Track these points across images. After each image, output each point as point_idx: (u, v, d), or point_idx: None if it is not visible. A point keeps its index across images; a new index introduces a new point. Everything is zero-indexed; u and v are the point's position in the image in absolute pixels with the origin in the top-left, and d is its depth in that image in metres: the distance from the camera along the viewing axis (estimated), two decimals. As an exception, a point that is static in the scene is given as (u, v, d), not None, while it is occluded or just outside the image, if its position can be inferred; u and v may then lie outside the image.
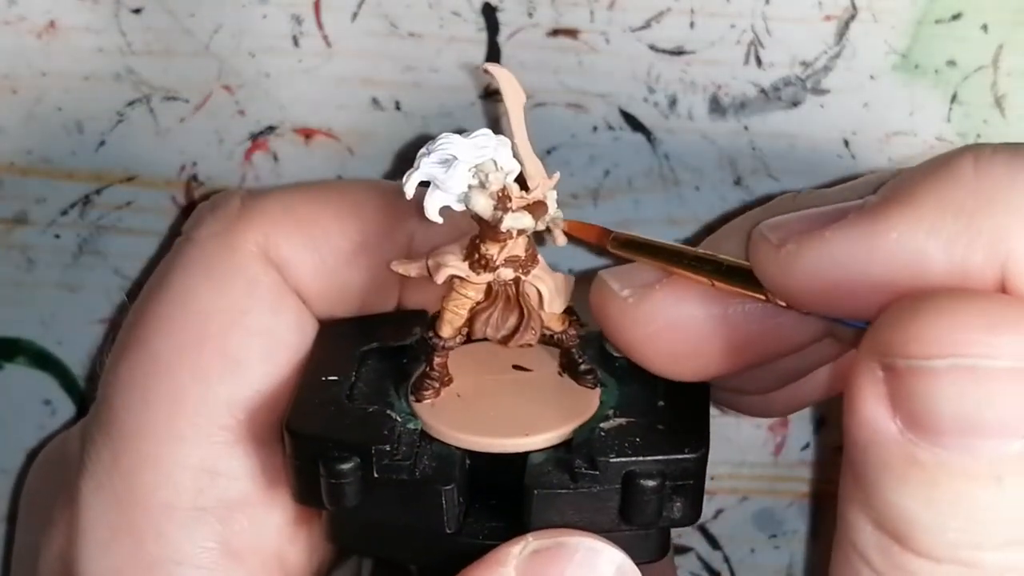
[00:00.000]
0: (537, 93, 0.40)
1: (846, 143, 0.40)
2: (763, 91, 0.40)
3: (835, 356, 0.35)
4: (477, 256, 0.31)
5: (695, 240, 0.41)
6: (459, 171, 0.30)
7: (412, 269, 0.32)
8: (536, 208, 0.31)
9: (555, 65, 0.40)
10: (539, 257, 0.32)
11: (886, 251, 0.27)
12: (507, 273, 0.32)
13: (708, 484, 0.31)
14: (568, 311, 0.33)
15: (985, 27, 0.39)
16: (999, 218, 0.26)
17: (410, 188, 0.30)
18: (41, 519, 0.35)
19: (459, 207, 0.31)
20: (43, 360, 0.43)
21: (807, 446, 0.43)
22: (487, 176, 0.31)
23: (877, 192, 0.29)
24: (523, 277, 0.32)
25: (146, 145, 0.41)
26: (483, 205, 0.31)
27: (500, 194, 0.31)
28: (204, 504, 0.33)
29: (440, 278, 0.31)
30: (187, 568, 0.32)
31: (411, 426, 0.31)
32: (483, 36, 0.40)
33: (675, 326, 0.31)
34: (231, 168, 0.41)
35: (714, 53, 0.40)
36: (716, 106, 0.40)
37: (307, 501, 0.31)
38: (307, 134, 0.41)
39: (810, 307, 0.29)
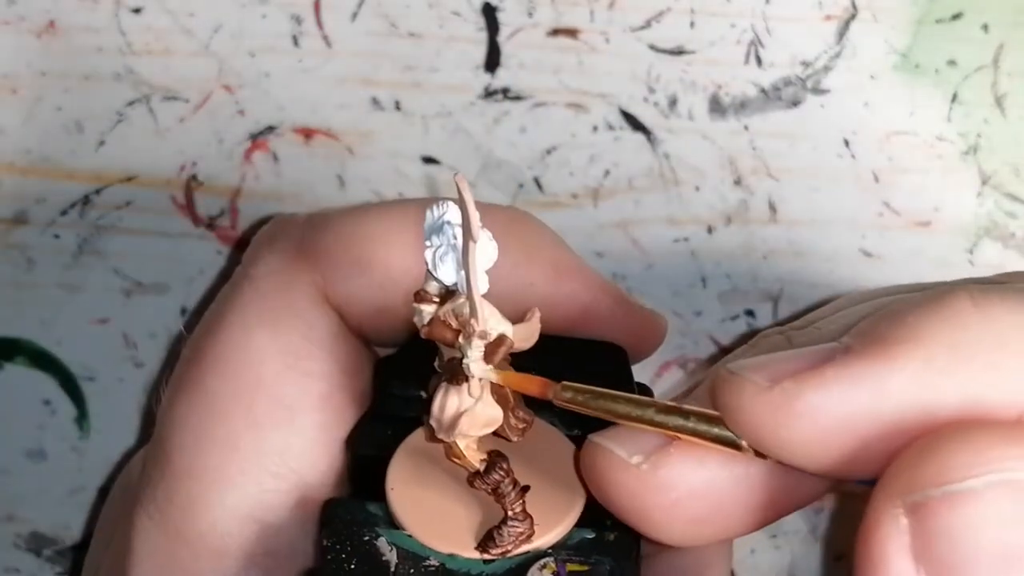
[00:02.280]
0: (537, 93, 0.40)
1: (846, 143, 0.40)
2: (763, 91, 0.40)
3: None
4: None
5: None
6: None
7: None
8: (444, 330, 0.29)
9: (555, 65, 0.40)
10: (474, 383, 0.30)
11: (897, 392, 0.25)
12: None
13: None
14: (495, 463, 0.30)
15: (985, 27, 0.39)
16: (1014, 360, 0.25)
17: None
18: (104, 540, 0.35)
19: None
20: (43, 360, 0.43)
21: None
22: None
23: (857, 329, 0.26)
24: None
25: (146, 145, 0.41)
26: (429, 283, 0.30)
27: (444, 290, 0.29)
28: (251, 552, 0.32)
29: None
30: None
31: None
32: (483, 36, 0.40)
33: (699, 492, 0.27)
34: (231, 168, 0.41)
35: (714, 53, 0.40)
36: (716, 106, 0.40)
37: None
38: (307, 134, 0.41)
39: (805, 459, 0.26)
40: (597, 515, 0.30)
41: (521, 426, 0.31)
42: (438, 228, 0.29)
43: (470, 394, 0.30)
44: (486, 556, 0.30)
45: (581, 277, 0.35)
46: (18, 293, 0.43)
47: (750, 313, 0.42)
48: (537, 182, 0.41)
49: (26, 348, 0.43)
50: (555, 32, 0.40)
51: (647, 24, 0.40)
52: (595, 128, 0.41)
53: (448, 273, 0.29)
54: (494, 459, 0.30)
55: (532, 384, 0.29)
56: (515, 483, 0.30)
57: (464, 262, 0.28)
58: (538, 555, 0.30)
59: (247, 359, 0.33)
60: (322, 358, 0.33)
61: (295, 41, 0.40)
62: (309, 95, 0.41)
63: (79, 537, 0.45)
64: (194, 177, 0.42)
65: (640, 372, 0.35)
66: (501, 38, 0.40)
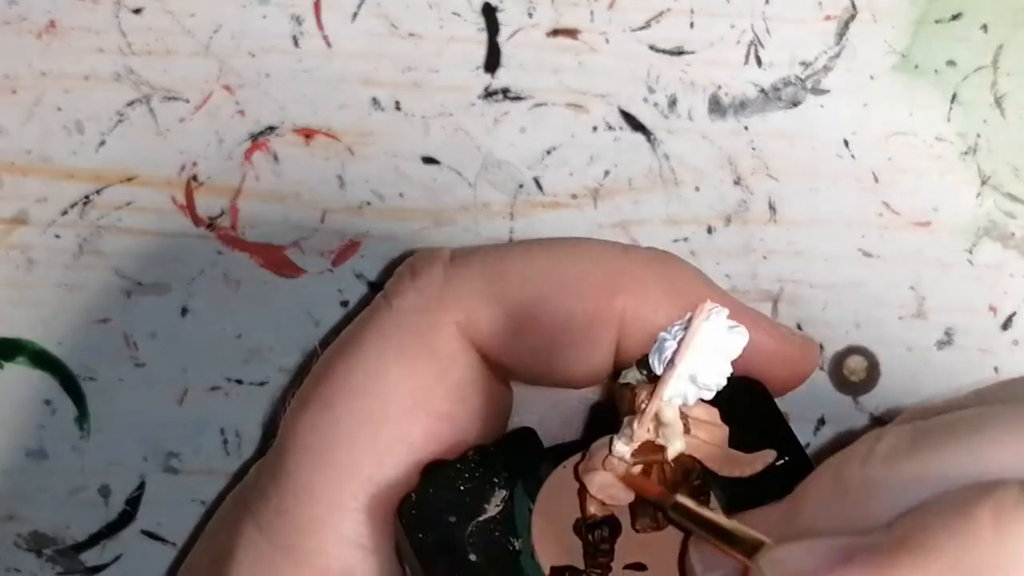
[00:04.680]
0: (537, 93, 0.41)
1: (846, 143, 0.40)
2: (763, 91, 0.40)
3: None
4: None
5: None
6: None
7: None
8: (628, 397, 0.31)
9: (555, 65, 0.40)
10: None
11: None
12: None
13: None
14: (601, 525, 0.31)
15: (985, 27, 0.39)
16: None
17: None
18: (209, 547, 0.36)
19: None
20: (43, 360, 0.43)
21: (807, 446, 0.43)
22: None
23: (892, 526, 0.26)
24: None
25: (146, 145, 0.41)
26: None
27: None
28: None
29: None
30: None
31: None
32: (483, 36, 0.40)
33: None
34: (231, 168, 0.41)
35: (714, 53, 0.40)
36: (716, 106, 0.40)
37: None
38: (307, 134, 0.41)
39: None
40: None
41: (640, 528, 0.31)
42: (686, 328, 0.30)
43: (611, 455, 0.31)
44: None
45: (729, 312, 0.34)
46: (19, 293, 0.43)
47: (750, 313, 0.42)
48: (537, 182, 0.41)
49: (27, 348, 0.43)
50: (555, 32, 0.40)
51: (647, 24, 0.40)
52: (595, 128, 0.41)
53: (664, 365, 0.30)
54: (602, 522, 0.31)
55: (650, 489, 0.30)
56: (607, 556, 0.31)
57: (668, 363, 0.30)
58: None
59: (378, 391, 0.33)
60: (454, 401, 0.33)
61: (295, 41, 0.40)
62: (309, 95, 0.41)
63: (80, 537, 0.45)
64: (194, 177, 0.42)
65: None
66: (501, 38, 0.40)
